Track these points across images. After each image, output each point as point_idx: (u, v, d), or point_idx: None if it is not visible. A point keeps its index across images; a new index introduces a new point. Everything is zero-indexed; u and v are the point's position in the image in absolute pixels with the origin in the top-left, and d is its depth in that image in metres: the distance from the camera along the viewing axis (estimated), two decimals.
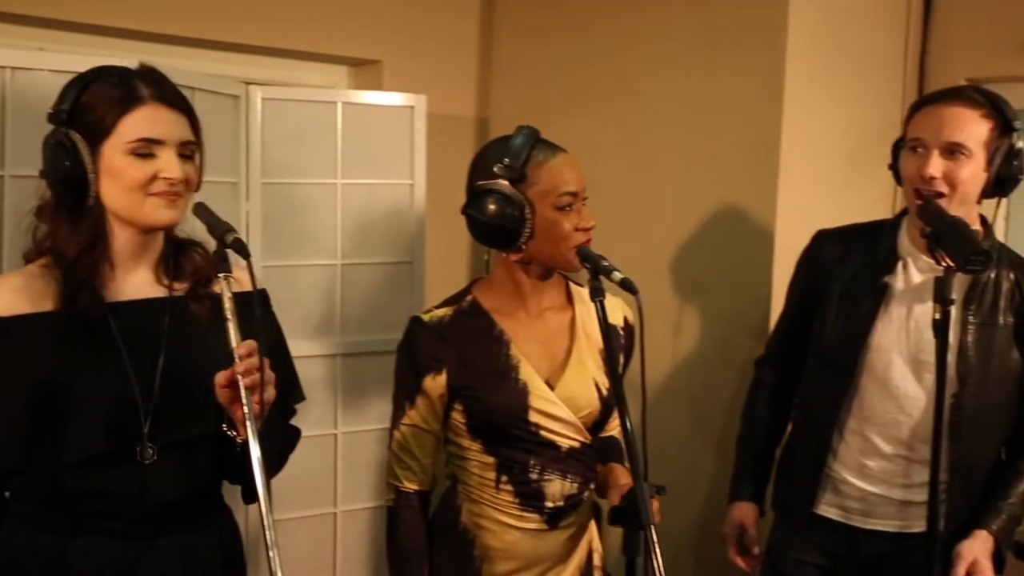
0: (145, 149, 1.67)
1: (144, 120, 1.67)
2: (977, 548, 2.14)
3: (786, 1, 2.76)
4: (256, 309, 1.58)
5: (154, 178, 1.67)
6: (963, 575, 2.11)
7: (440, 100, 3.14)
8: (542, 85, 3.32)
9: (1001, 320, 2.19)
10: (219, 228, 1.61)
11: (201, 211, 1.68)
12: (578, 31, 3.23)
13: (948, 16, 3.09)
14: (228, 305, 1.57)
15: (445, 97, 3.27)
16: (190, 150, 1.74)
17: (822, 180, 2.92)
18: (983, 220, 2.27)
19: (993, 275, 2.20)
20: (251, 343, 1.57)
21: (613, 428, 2.15)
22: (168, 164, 1.68)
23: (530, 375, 1.99)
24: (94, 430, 1.67)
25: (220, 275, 1.57)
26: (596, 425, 2.07)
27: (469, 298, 2.06)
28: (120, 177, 1.67)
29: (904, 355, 2.22)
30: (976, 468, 2.21)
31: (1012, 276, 2.22)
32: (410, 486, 2.04)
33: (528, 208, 1.93)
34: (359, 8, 3.12)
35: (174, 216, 1.72)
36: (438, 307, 2.06)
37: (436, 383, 1.99)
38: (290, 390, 1.90)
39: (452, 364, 1.99)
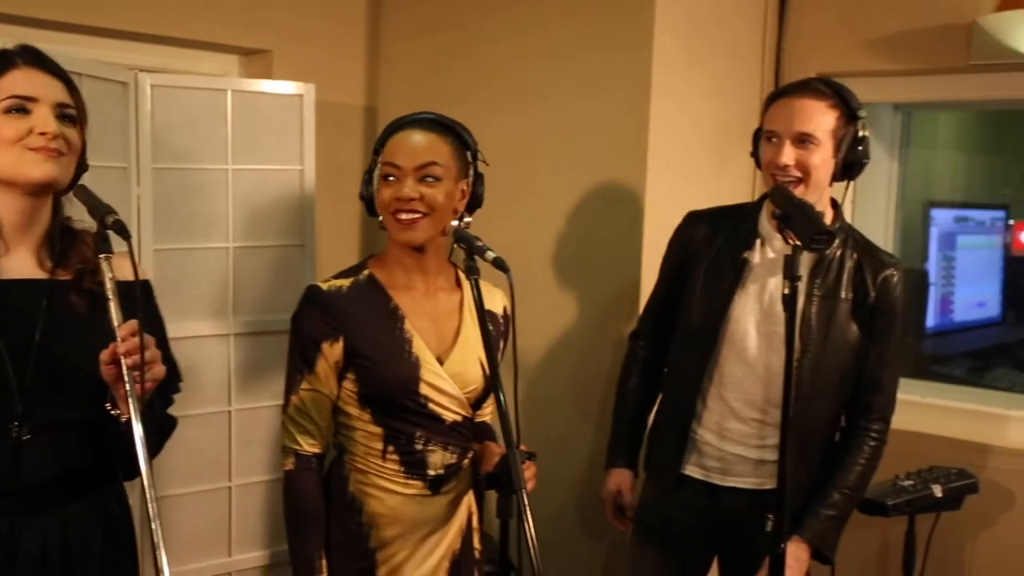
0: (19, 105, 1.63)
1: (17, 80, 1.65)
2: (789, 554, 2.11)
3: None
4: (137, 291, 1.52)
5: (29, 132, 1.63)
6: None
7: (329, 89, 3.09)
8: (428, 75, 3.29)
9: (843, 294, 2.24)
10: (99, 209, 1.55)
11: (82, 193, 1.63)
12: (462, 24, 3.21)
13: (801, 15, 3.16)
14: (109, 285, 1.51)
15: (334, 86, 3.22)
16: (69, 113, 1.69)
17: (688, 166, 2.95)
18: (834, 203, 2.32)
19: (839, 253, 2.25)
20: (133, 323, 1.52)
21: (487, 413, 2.15)
22: (43, 120, 1.64)
23: (422, 350, 1.97)
24: None
25: (101, 256, 1.52)
26: (478, 401, 2.07)
27: (366, 272, 2.02)
28: None
29: (758, 325, 2.27)
30: (813, 431, 2.25)
31: (855, 256, 2.27)
32: (310, 448, 1.99)
33: (373, 180, 1.98)
34: None
35: (51, 170, 1.65)
36: (336, 277, 2.01)
37: (333, 350, 1.95)
38: (169, 380, 1.83)
39: (348, 333, 1.95)
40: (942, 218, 3.81)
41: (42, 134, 1.63)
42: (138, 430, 1.46)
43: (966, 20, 2.82)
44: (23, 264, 1.70)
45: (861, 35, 3.04)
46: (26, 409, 1.63)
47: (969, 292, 3.93)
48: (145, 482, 1.44)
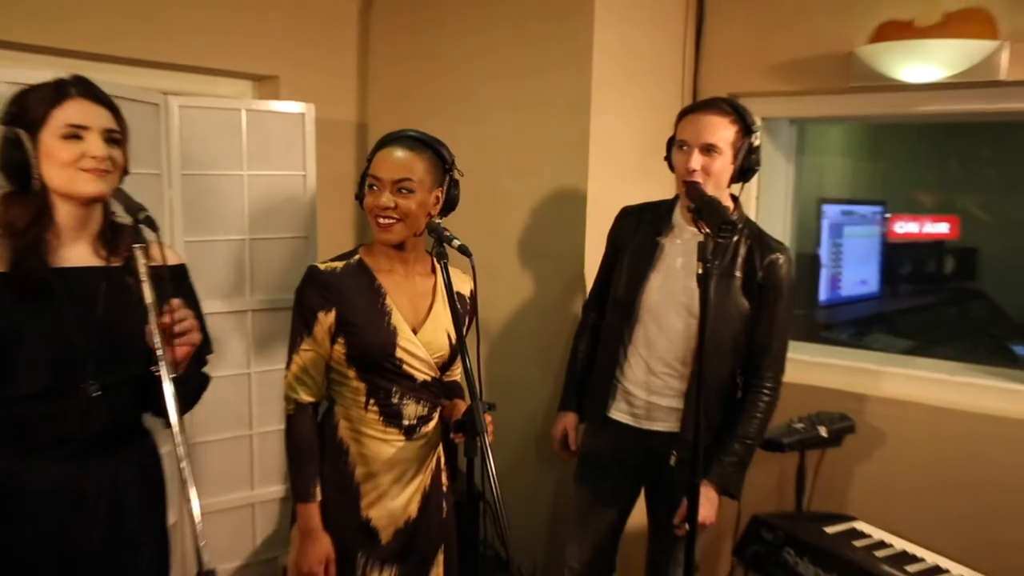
0: (73, 133, 1.65)
1: (71, 110, 1.66)
2: (701, 494, 2.09)
3: (591, 28, 2.79)
4: (165, 272, 1.57)
5: (82, 156, 1.65)
6: (683, 515, 2.18)
7: (327, 108, 3.10)
8: (409, 96, 3.30)
9: (736, 273, 2.29)
10: (133, 208, 1.59)
11: (118, 194, 1.66)
12: (435, 53, 3.21)
13: (713, 44, 3.18)
14: (143, 270, 1.54)
15: (331, 106, 3.23)
16: (115, 136, 1.71)
17: (622, 169, 2.97)
18: (734, 198, 2.38)
19: (735, 239, 2.29)
20: (178, 300, 1.58)
21: (455, 374, 2.18)
22: (94, 145, 1.66)
23: (399, 321, 2.00)
24: (41, 368, 1.63)
25: (135, 245, 1.56)
26: (445, 365, 2.10)
27: (356, 257, 2.05)
28: (55, 157, 1.65)
29: (669, 297, 2.33)
30: (712, 386, 2.26)
31: (749, 243, 2.31)
32: (307, 397, 2.01)
33: (362, 187, 2.03)
34: (261, 33, 3.06)
35: (101, 188, 1.68)
36: (332, 260, 2.04)
37: (327, 318, 1.98)
38: (203, 346, 1.87)
39: (339, 305, 1.98)
40: (831, 212, 3.88)
41: (93, 157, 1.65)
42: (168, 387, 1.49)
43: (846, 50, 2.86)
44: (83, 254, 1.74)
45: (762, 61, 3.07)
46: (93, 370, 1.67)
47: (853, 272, 4.01)
48: (175, 428, 1.48)
